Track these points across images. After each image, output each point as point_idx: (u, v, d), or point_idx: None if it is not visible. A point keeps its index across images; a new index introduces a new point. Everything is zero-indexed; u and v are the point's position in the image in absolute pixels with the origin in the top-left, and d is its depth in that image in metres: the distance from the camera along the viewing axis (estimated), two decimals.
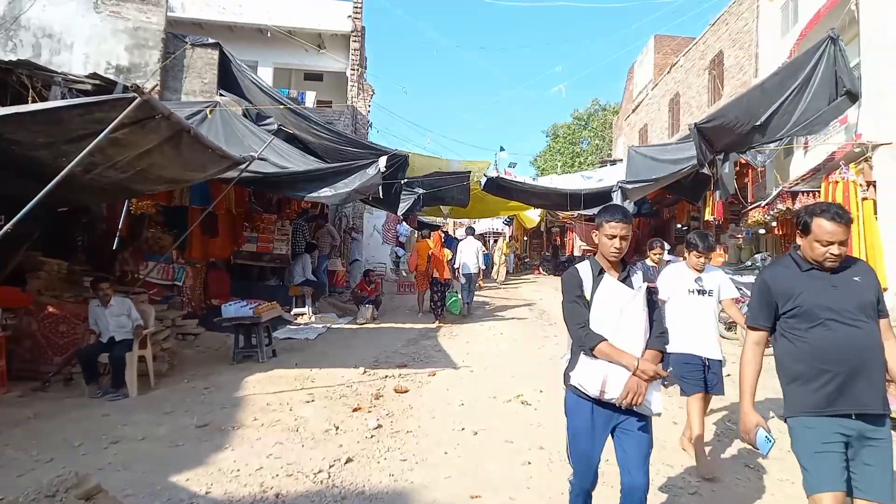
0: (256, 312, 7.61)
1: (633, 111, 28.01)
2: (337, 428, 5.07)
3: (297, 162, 9.28)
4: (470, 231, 14.18)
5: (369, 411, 5.58)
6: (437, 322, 11.00)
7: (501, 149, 15.41)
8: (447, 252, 12.06)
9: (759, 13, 15.55)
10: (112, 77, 9.13)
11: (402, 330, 10.18)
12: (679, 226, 22.67)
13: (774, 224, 12.97)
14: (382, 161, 8.21)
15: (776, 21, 14.75)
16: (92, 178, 5.49)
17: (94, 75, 7.95)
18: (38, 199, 4.26)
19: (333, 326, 10.28)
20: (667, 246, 18.83)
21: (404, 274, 15.64)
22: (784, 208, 11.86)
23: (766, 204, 12.67)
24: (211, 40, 11.26)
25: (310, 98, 16.75)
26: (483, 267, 13.86)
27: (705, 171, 11.33)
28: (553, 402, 5.92)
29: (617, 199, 13.23)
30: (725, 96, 17.79)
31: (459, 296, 12.00)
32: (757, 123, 10.68)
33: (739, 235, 18.23)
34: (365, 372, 7.00)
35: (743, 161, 13.43)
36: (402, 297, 14.95)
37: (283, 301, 10.74)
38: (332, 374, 6.92)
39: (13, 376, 6.26)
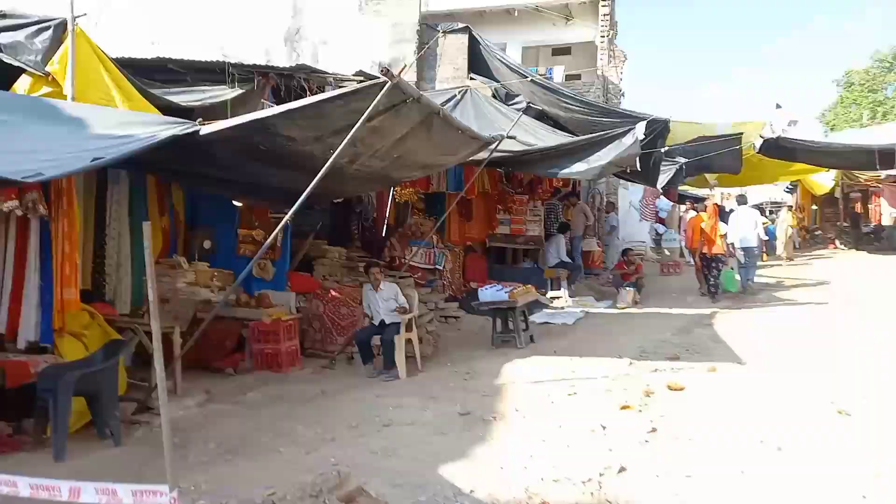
0: (512, 297, 7.41)
1: None
2: (604, 428, 4.51)
3: (548, 138, 8.88)
4: (742, 200, 12.64)
5: (640, 411, 4.91)
6: (713, 303, 9.99)
7: (778, 105, 13.00)
8: (722, 226, 10.88)
9: None
10: (375, 73, 9.77)
11: (670, 316, 9.14)
12: None
13: None
14: (640, 128, 7.33)
15: None
16: (357, 168, 5.75)
17: (359, 73, 8.52)
18: (309, 190, 4.49)
19: (591, 311, 9.69)
20: None
21: (667, 253, 14.26)
22: None
23: None
24: (460, 25, 11.44)
25: (558, 73, 16.18)
26: (766, 239, 12.26)
27: None
28: (882, 413, 4.56)
29: None
30: None
31: (735, 272, 10.88)
32: None
33: None
34: (631, 364, 6.29)
35: None
36: (667, 279, 13.59)
37: (539, 284, 10.47)
38: (595, 364, 6.36)
39: (307, 354, 7.00)
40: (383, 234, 9.94)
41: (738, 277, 11.09)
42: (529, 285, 8.89)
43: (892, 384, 5.25)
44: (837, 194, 24.58)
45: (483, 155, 7.23)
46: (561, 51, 19.42)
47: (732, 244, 10.96)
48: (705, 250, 10.73)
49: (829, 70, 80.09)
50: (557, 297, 10.45)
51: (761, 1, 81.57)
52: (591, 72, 17.23)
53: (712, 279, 10.66)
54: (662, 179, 12.04)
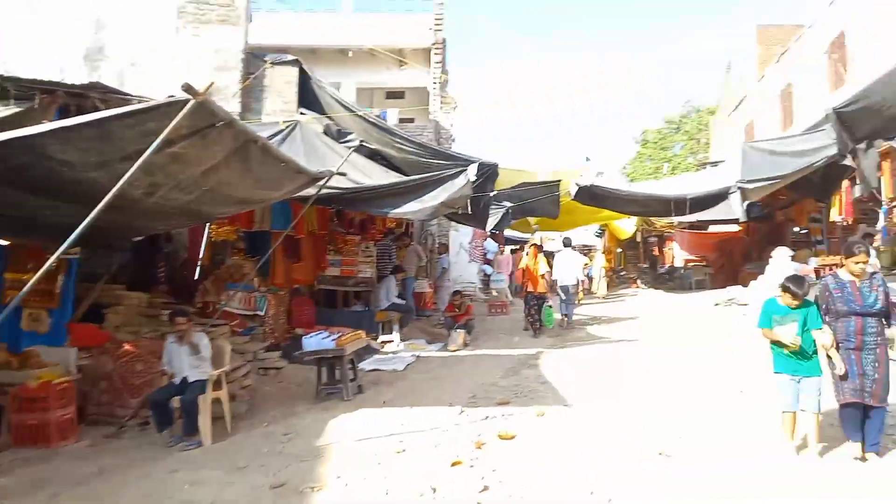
0: (339, 344, 6.89)
1: (737, 108, 25.85)
2: (434, 490, 4.15)
3: (380, 177, 8.62)
4: (567, 242, 13.96)
5: (471, 465, 4.63)
6: (535, 339, 10.90)
7: (587, 158, 14.29)
8: (542, 266, 11.85)
9: None
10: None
11: (499, 357, 9.19)
12: (797, 229, 20.39)
13: None
14: (472, 169, 7.38)
15: None
16: (156, 201, 4.94)
17: (170, 97, 7.60)
18: (85, 224, 3.69)
19: (423, 354, 9.46)
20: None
21: (494, 294, 14.66)
22: None
23: None
24: (290, 57, 10.92)
25: (392, 115, 16.29)
26: (583, 279, 13.67)
27: (847, 162, 9.67)
28: (700, 452, 4.75)
29: (735, 201, 11.70)
30: (849, 82, 15.73)
31: (555, 310, 12.01)
32: None
33: (875, 236, 15.99)
34: (462, 412, 6.06)
35: (886, 148, 11.58)
36: (495, 319, 13.91)
37: (369, 328, 10.06)
38: (425, 414, 6.03)
39: (88, 421, 5.83)
40: (196, 277, 8.90)
41: (556, 316, 12.04)
42: (360, 330, 8.44)
43: (704, 421, 5.55)
44: (638, 238, 27.51)
45: (311, 191, 6.73)
46: (395, 94, 19.69)
47: (556, 281, 12.05)
48: (530, 289, 11.52)
49: (630, 128, 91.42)
50: (389, 342, 10.09)
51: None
52: (424, 116, 17.60)
53: (535, 315, 11.35)
54: (491, 222, 12.40)
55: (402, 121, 17.04)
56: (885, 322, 4.43)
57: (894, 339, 4.87)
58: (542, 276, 11.63)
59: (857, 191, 10.98)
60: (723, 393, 6.49)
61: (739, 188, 11.70)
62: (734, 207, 11.74)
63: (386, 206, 7.90)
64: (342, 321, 9.85)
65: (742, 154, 12.78)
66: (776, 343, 4.59)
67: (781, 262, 17.09)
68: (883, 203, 13.10)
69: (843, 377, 4.35)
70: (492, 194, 9.23)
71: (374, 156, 10.64)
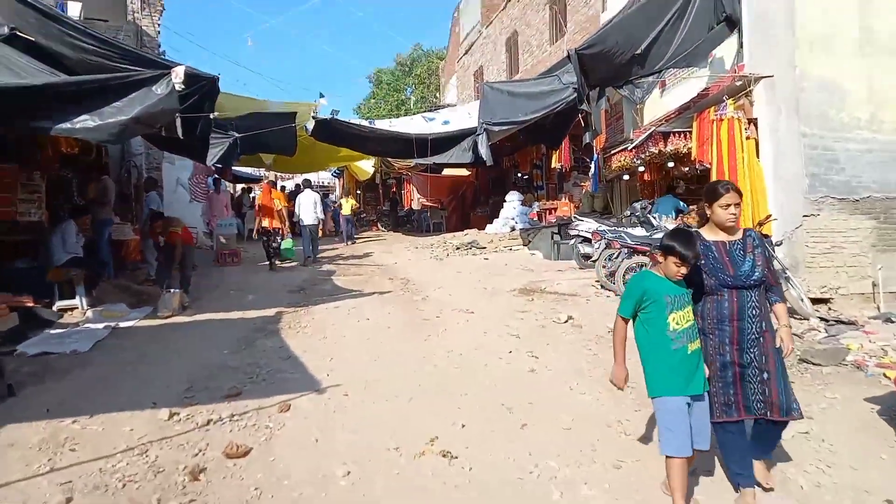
0: None
1: (466, 52, 26.39)
2: None
3: (39, 77, 5.92)
4: (307, 183, 14.47)
5: None
6: (270, 269, 11.96)
7: (321, 95, 12.87)
8: (277, 202, 12.64)
9: None
10: None
11: (229, 323, 7.37)
12: (520, 175, 21.78)
13: (643, 168, 12.07)
14: (179, 73, 5.30)
15: None
16: None
17: None
18: None
19: (123, 324, 7.13)
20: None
21: (222, 241, 12.39)
22: (656, 151, 10.83)
23: (635, 147, 11.63)
24: None
25: (73, 9, 12.36)
26: (322, 218, 14.38)
27: (584, 107, 9.82)
28: (486, 448, 3.85)
29: (482, 142, 11.35)
30: (569, 33, 16.69)
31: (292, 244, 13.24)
32: (637, 52, 9.29)
33: (584, 184, 17.59)
34: (172, 416, 4.29)
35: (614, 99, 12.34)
36: (225, 272, 11.71)
37: (40, 292, 7.31)
38: (112, 425, 4.12)
39: None
40: None
41: (297, 248, 13.27)
42: (23, 296, 5.89)
43: (481, 402, 4.72)
44: (377, 180, 26.97)
45: None
46: None
47: (301, 220, 13.08)
48: (265, 224, 12.22)
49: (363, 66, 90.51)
50: (71, 309, 7.47)
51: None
52: (121, 17, 13.89)
53: (272, 251, 12.23)
54: (214, 154, 10.20)
55: (88, 19, 13.15)
56: (767, 297, 3.25)
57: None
58: (279, 211, 12.42)
59: (588, 136, 11.39)
60: (502, 352, 5.84)
61: (486, 129, 11.38)
62: (481, 150, 11.39)
63: (44, 119, 5.37)
64: None
65: (483, 94, 12.50)
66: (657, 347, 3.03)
67: (514, 204, 18.02)
68: (595, 153, 14.26)
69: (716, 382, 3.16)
70: (212, 116, 7.12)
71: (39, 53, 7.55)
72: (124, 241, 9.94)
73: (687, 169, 10.90)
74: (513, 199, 17.55)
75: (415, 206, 24.48)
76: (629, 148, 11.78)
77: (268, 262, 12.12)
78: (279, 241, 12.66)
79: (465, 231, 18.18)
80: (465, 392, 4.83)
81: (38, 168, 8.01)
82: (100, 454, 3.71)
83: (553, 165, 16.94)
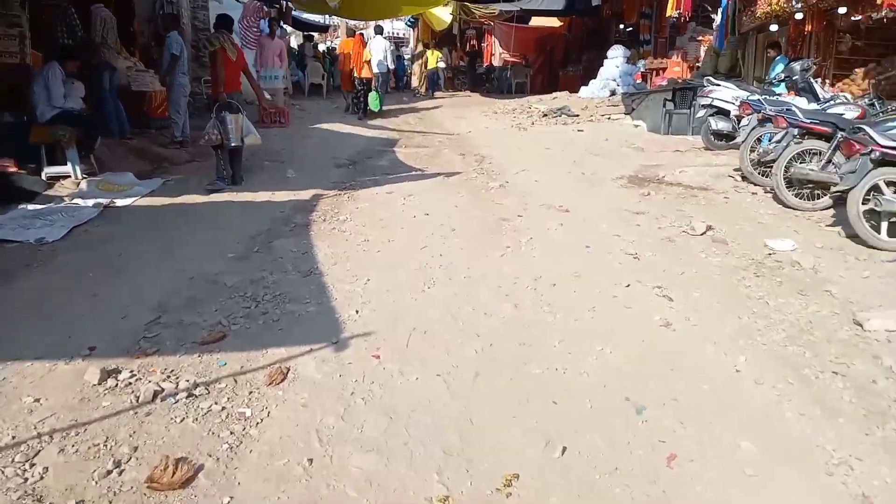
0: None
1: None
2: None
3: None
4: (378, 30, 13.69)
5: None
6: (361, 118, 12.13)
7: None
8: (367, 51, 12.28)
9: None
10: None
11: (251, 208, 5.72)
12: (622, 26, 18.35)
13: (801, 16, 9.03)
14: None
15: None
16: None
17: None
18: None
19: (118, 202, 5.62)
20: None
21: (267, 96, 10.53)
22: None
23: None
24: None
25: None
26: (392, 67, 14.31)
27: None
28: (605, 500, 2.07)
29: None
30: None
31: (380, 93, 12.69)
32: None
33: (704, 38, 14.27)
34: (104, 379, 2.72)
35: None
36: (266, 137, 9.75)
37: (30, 154, 5.88)
38: (15, 390, 2.63)
39: None
40: None
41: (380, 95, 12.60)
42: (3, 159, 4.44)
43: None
44: (455, 30, 23.91)
45: None
46: None
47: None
48: (357, 74, 12.18)
49: None
50: (64, 177, 6.01)
51: None
52: None
53: (361, 101, 12.30)
54: None
55: None
56: None
57: None
58: (367, 62, 12.12)
59: None
60: (615, 284, 3.95)
61: None
62: None
63: None
64: None
65: None
66: None
67: (617, 62, 15.03)
68: None
69: None
70: None
71: None
72: (146, 92, 8.28)
73: (861, 17, 8.07)
74: (616, 56, 14.59)
75: (495, 62, 21.57)
76: None
77: (355, 113, 12.48)
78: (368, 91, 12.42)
79: (554, 94, 15.57)
80: (562, 367, 3.03)
81: None
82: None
83: (668, 14, 13.67)
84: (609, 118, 12.22)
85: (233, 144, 6.08)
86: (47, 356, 2.90)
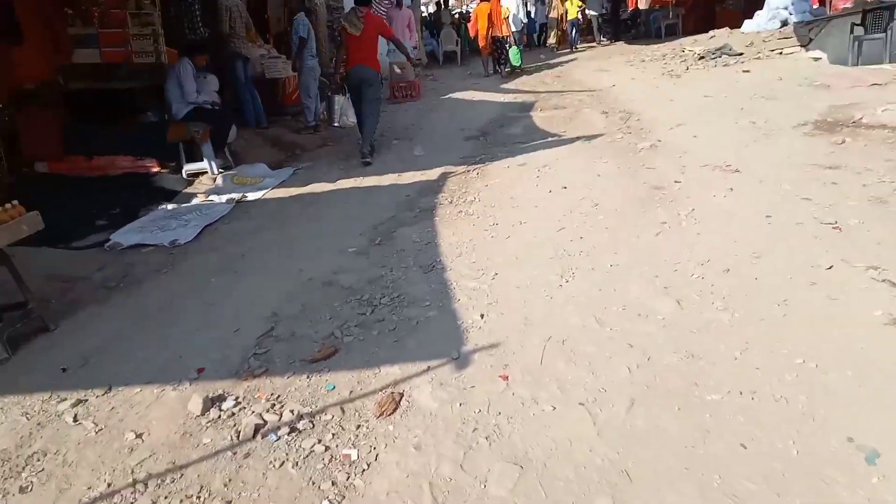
0: None
1: None
2: None
3: None
4: None
5: None
6: (503, 77, 12.22)
7: None
8: (504, 8, 12.40)
9: None
10: None
11: (375, 193, 5.41)
12: None
13: None
14: None
15: None
16: None
17: None
18: None
19: (250, 196, 5.60)
20: None
21: (396, 70, 10.20)
22: None
23: None
24: None
25: None
26: (525, 22, 14.57)
27: None
28: None
29: None
30: None
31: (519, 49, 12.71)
32: None
33: None
34: (207, 410, 2.48)
35: None
36: (396, 113, 9.49)
37: (164, 154, 6.06)
38: (119, 422, 2.48)
39: None
40: None
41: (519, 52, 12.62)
42: (147, 159, 4.63)
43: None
44: None
45: None
46: None
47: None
48: (496, 34, 12.23)
49: None
50: (199, 173, 6.12)
51: None
52: None
53: (502, 59, 12.47)
54: None
55: None
56: None
57: None
58: (505, 19, 12.20)
59: None
60: (813, 268, 3.06)
61: None
62: None
63: None
64: (114, 145, 5.86)
65: None
66: None
67: None
68: None
69: None
70: None
71: None
72: (280, 79, 8.32)
73: None
74: None
75: (641, 5, 19.57)
76: None
77: (497, 71, 12.60)
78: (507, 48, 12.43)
79: (711, 33, 13.65)
80: (749, 389, 2.29)
81: None
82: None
83: None
84: (781, 53, 10.42)
85: (335, 124, 5.94)
86: (157, 380, 2.74)
